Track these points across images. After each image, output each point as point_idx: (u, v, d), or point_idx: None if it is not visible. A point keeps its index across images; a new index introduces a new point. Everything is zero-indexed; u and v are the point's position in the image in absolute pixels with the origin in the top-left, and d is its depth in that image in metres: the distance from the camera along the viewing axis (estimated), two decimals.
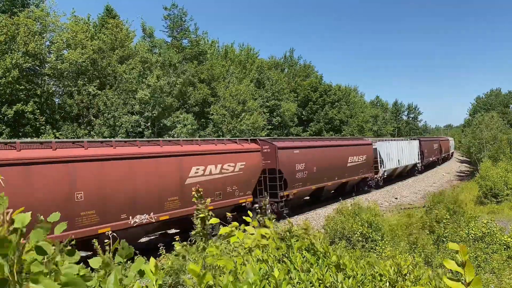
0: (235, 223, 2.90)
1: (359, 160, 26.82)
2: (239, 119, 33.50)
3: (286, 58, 59.11)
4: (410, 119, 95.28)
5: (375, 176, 30.24)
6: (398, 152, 34.88)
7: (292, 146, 20.38)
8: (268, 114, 40.91)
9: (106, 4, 34.06)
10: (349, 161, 25.45)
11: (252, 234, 2.91)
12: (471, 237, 12.28)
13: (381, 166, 31.02)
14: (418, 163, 41.69)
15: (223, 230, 2.69)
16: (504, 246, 11.98)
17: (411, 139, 41.24)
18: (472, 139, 46.33)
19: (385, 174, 31.89)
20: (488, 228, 12.51)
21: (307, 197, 24.14)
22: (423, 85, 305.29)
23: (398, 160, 34.90)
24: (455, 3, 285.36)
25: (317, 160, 21.76)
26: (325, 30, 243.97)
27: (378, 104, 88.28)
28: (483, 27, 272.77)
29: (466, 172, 47.24)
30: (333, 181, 23.64)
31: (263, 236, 2.83)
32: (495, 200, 24.25)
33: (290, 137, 35.02)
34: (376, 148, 30.48)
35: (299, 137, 36.50)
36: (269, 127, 41.09)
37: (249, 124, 33.46)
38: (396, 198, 28.33)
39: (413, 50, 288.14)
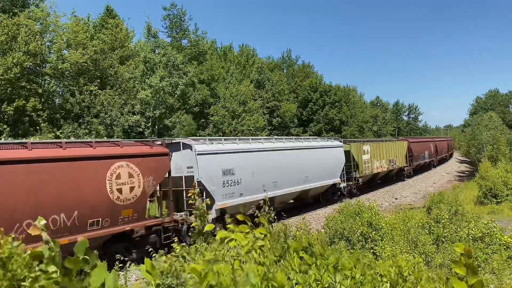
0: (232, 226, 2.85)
1: None
2: (239, 120, 33.44)
3: (284, 59, 59.00)
4: (411, 119, 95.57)
5: None
6: None
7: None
8: (268, 115, 40.84)
9: (106, 4, 33.99)
10: None
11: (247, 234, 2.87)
12: (471, 237, 12.26)
13: None
14: None
15: (219, 234, 2.66)
16: (504, 247, 11.96)
17: None
18: (472, 139, 46.30)
19: None
20: (488, 229, 12.49)
21: None
22: (423, 85, 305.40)
23: None
24: (455, 3, 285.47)
25: None
26: (324, 30, 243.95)
27: (378, 104, 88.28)
28: (483, 27, 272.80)
29: (466, 172, 47.19)
30: None
31: (258, 238, 2.80)
32: (495, 200, 24.28)
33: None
34: None
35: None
36: (270, 127, 41.04)
37: (250, 124, 33.39)
38: (396, 199, 28.32)
39: (413, 50, 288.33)
